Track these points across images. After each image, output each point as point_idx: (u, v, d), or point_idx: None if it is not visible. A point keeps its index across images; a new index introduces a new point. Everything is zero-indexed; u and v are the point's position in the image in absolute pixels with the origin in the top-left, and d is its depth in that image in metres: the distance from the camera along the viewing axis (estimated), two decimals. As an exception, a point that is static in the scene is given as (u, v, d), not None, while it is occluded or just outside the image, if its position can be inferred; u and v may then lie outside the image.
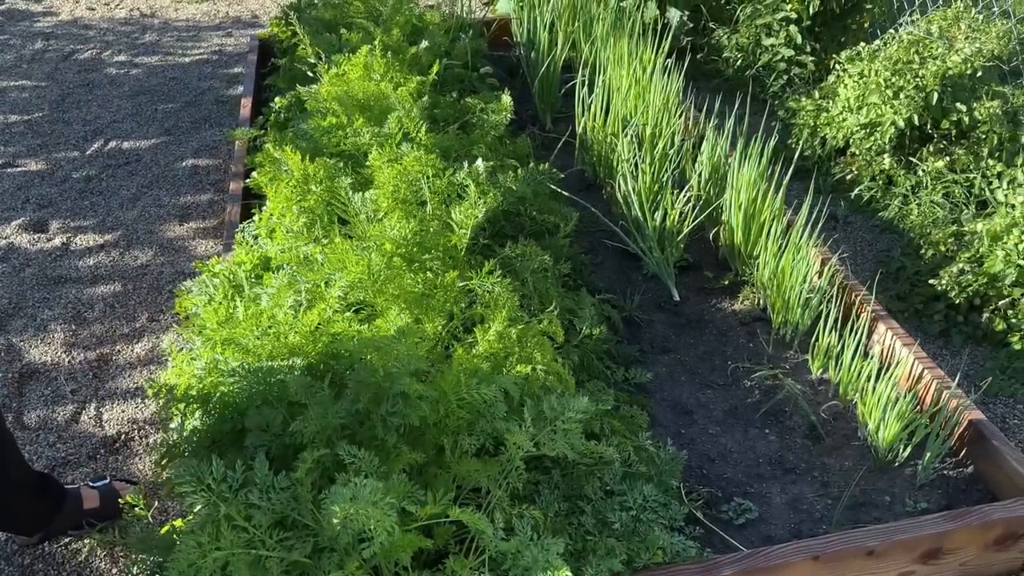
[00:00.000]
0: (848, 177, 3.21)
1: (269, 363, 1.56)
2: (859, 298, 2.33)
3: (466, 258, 2.11)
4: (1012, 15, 3.29)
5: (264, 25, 4.67)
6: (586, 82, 3.15)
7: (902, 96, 2.99)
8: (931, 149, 3.08)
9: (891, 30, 3.48)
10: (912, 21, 3.41)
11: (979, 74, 3.01)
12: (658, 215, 2.64)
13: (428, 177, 2.20)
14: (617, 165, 2.89)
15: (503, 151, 2.85)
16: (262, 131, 3.04)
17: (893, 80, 3.02)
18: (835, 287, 2.30)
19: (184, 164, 3.41)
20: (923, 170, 3.05)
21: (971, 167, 3.00)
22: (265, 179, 2.24)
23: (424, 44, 3.15)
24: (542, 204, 2.56)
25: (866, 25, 3.82)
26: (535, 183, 2.61)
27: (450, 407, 1.52)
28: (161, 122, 3.72)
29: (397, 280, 1.75)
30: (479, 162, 2.37)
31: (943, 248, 2.74)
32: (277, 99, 3.18)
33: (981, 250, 2.59)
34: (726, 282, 2.62)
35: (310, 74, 3.13)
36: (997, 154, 2.99)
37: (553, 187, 2.68)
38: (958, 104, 2.98)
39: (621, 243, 2.75)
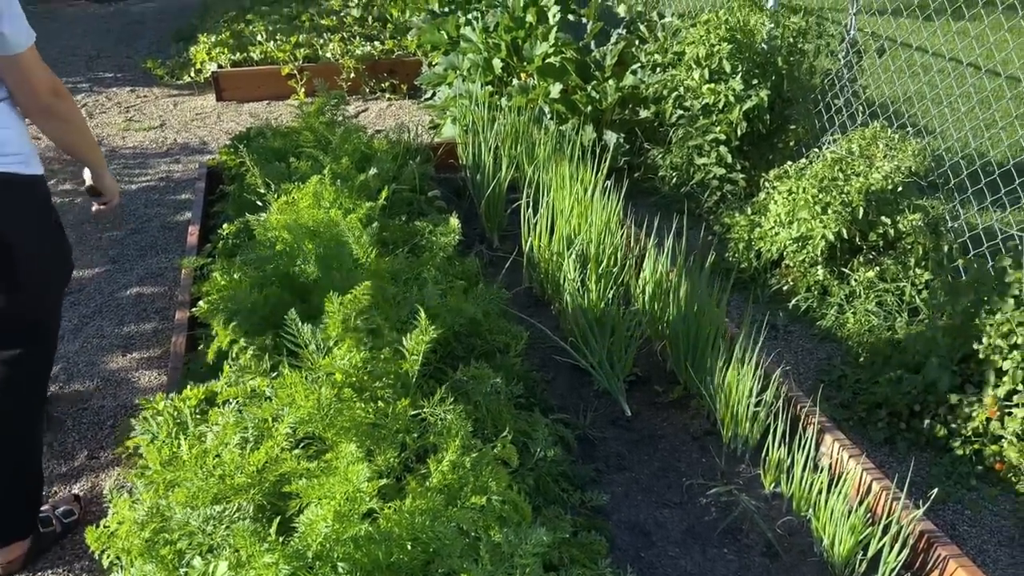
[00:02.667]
0: (785, 288, 3.33)
1: (215, 507, 1.51)
2: (804, 410, 2.38)
3: (418, 383, 2.11)
4: (924, 133, 3.54)
5: (213, 152, 4.75)
6: (530, 203, 3.26)
7: (830, 211, 3.15)
8: (861, 260, 3.23)
9: (815, 149, 3.70)
10: (834, 140, 3.64)
11: (900, 189, 3.20)
12: (606, 331, 2.69)
13: (379, 304, 2.22)
14: (564, 283, 2.96)
15: (452, 272, 2.89)
16: (209, 259, 3.04)
17: (820, 196, 3.19)
18: (780, 400, 2.35)
19: (128, 293, 3.37)
20: (855, 280, 3.18)
21: (900, 276, 3.15)
22: (211, 310, 2.23)
23: (372, 171, 3.23)
24: (492, 324, 2.59)
25: (791, 144, 4.06)
26: (485, 303, 2.65)
27: (404, 547, 1.48)
28: (106, 250, 3.70)
29: (347, 412, 1.73)
30: (430, 287, 2.40)
31: (881, 356, 2.84)
32: (225, 226, 3.19)
33: (916, 357, 2.69)
34: (676, 396, 2.65)
35: (259, 202, 3.17)
36: (923, 263, 3.15)
37: (503, 306, 2.72)
38: (883, 217, 3.15)
39: (572, 359, 2.78)
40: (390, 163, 3.55)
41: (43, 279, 2.03)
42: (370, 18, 6.71)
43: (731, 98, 3.80)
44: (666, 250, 2.78)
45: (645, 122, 4.49)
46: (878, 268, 3.18)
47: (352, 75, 5.82)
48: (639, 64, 4.35)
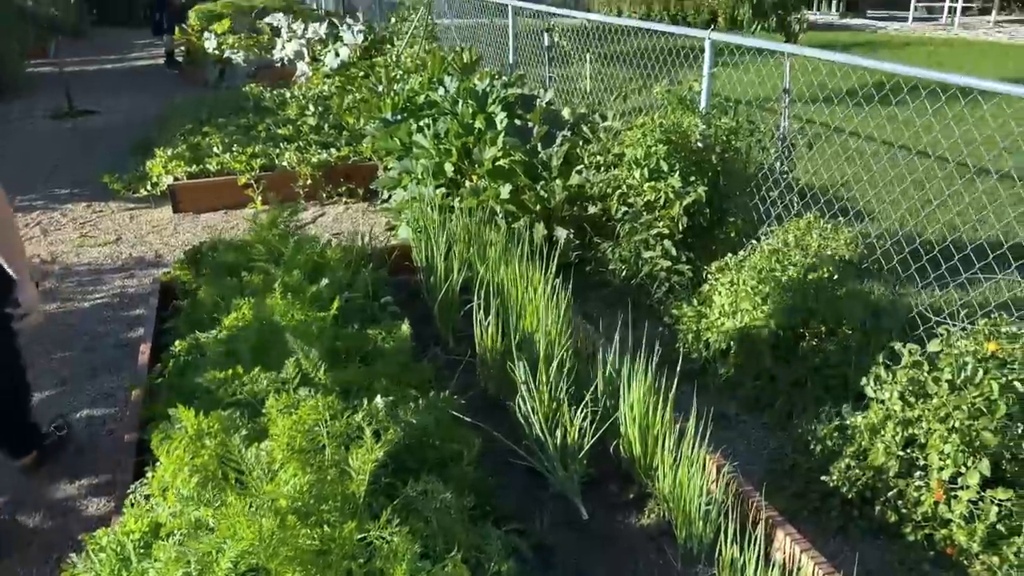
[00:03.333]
0: (733, 378, 3.40)
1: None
2: (755, 504, 2.40)
3: (367, 502, 2.10)
4: (855, 221, 3.70)
5: (168, 265, 4.77)
6: (482, 305, 3.32)
7: (769, 301, 3.26)
8: (805, 346, 3.32)
9: (754, 240, 3.85)
10: (771, 231, 3.78)
11: (835, 276, 3.32)
12: (559, 432, 2.71)
13: (326, 420, 2.23)
14: (516, 385, 2.99)
15: (405, 379, 2.91)
16: (159, 379, 3.03)
17: (759, 287, 3.30)
18: (730, 495, 2.37)
19: (79, 416, 3.33)
20: (803, 367, 3.26)
21: (843, 362, 3.24)
22: (157, 439, 2.21)
23: (324, 282, 3.28)
24: (444, 432, 2.60)
25: (733, 235, 4.21)
26: (437, 411, 2.66)
27: None
28: (56, 371, 3.66)
29: (291, 542, 1.72)
30: (378, 399, 2.42)
31: (830, 443, 2.88)
32: (176, 343, 3.20)
33: (863, 444, 2.74)
34: (631, 496, 2.66)
35: (210, 321, 3.18)
36: (865, 347, 3.24)
37: (455, 413, 2.73)
38: (822, 305, 3.26)
39: (526, 460, 2.79)
40: (343, 271, 3.61)
41: None
42: (326, 126, 6.90)
43: (671, 195, 3.95)
44: (614, 346, 2.84)
45: (593, 217, 4.63)
46: (822, 354, 3.27)
47: (309, 181, 5.94)
48: (583, 164, 4.51)
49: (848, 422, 2.95)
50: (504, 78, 6.28)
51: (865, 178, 5.12)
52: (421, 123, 5.49)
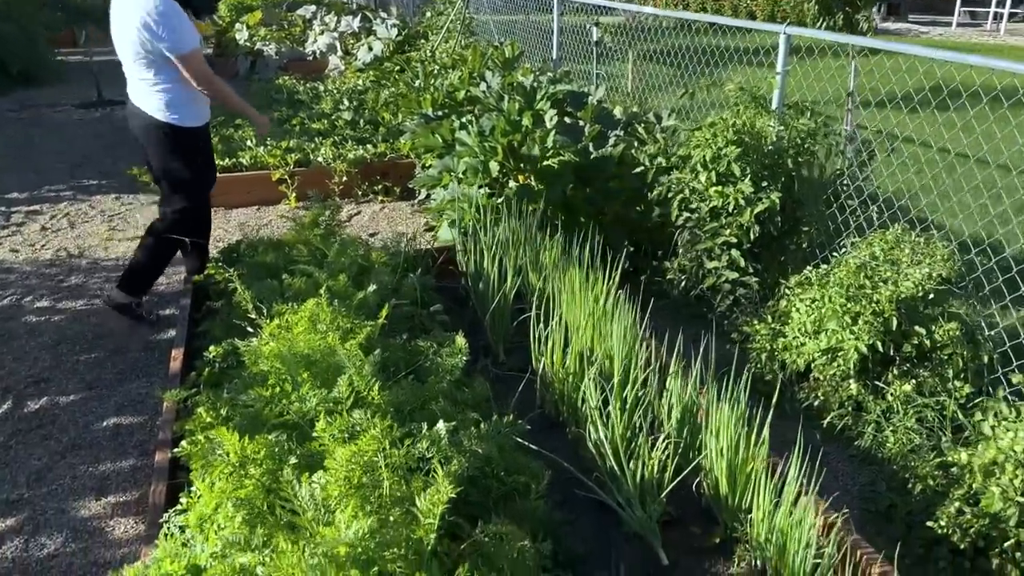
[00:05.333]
0: (815, 403, 3.11)
1: None
2: (864, 555, 2.12)
3: (433, 549, 1.84)
4: (952, 238, 3.40)
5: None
6: (540, 316, 3.05)
7: (860, 322, 2.96)
8: (895, 372, 3.02)
9: (831, 252, 3.55)
10: (851, 244, 3.48)
11: (931, 296, 3.02)
12: (633, 464, 2.44)
13: (385, 448, 1.97)
14: (581, 405, 2.72)
15: (461, 398, 2.65)
16: (194, 389, 2.79)
17: (849, 306, 3.01)
18: (842, 550, 2.09)
19: (105, 424, 3.09)
20: (891, 394, 2.96)
21: (939, 389, 2.94)
22: (197, 464, 1.97)
23: (372, 287, 3.03)
24: (509, 462, 2.33)
25: (804, 246, 3.91)
26: (500, 437, 2.40)
27: None
28: (82, 375, 3.43)
29: (356, 602, 1.46)
30: (440, 425, 2.16)
31: (931, 482, 2.59)
32: (211, 348, 2.97)
33: (975, 486, 2.45)
34: (716, 540, 2.38)
35: (248, 327, 2.94)
36: (962, 375, 2.95)
37: (519, 439, 2.47)
38: (916, 327, 2.96)
39: (592, 491, 2.52)
40: (389, 276, 3.36)
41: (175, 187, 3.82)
42: (361, 121, 6.66)
43: (741, 201, 3.66)
44: (695, 369, 2.56)
45: (649, 224, 4.34)
46: (915, 381, 2.97)
47: (344, 178, 5.70)
48: (642, 167, 4.23)
49: (951, 458, 2.65)
50: (549, 74, 6.01)
51: (937, 189, 4.78)
52: (463, 120, 5.23)
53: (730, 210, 3.73)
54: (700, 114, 5.36)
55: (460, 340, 2.83)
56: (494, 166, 4.80)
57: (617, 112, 5.13)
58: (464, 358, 2.77)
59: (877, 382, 3.05)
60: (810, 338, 3.13)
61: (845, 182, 3.80)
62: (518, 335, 3.49)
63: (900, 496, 2.62)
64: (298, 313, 2.63)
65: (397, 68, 8.17)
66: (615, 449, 2.43)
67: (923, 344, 2.95)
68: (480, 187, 4.70)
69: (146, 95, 3.56)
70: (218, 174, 5.66)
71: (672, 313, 3.93)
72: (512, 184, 4.71)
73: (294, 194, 5.60)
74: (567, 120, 5.03)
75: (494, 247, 3.64)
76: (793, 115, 3.72)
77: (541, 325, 3.03)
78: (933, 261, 3.03)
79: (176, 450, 2.39)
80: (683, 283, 4.00)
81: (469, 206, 4.41)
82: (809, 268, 3.40)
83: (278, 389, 2.22)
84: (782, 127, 3.67)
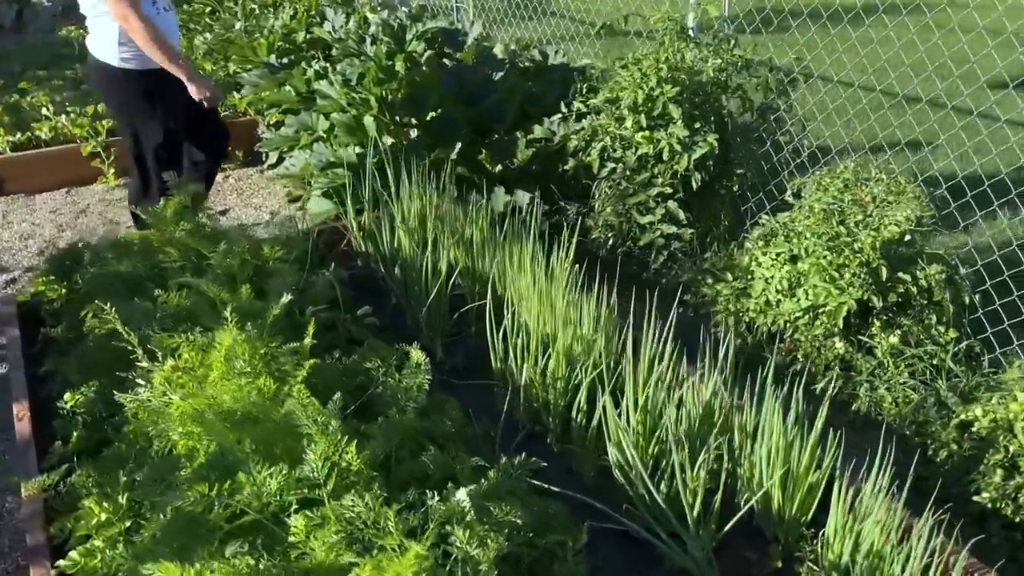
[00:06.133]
0: (796, 367, 2.84)
1: None
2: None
3: None
4: (918, 175, 3.21)
5: (9, 269, 3.56)
6: (488, 306, 2.52)
7: (847, 274, 2.69)
8: (878, 324, 2.80)
9: (766, 198, 3.27)
10: (796, 184, 3.19)
11: (907, 238, 2.81)
12: (663, 485, 2.03)
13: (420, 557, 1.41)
14: (577, 416, 2.27)
15: (438, 431, 2.11)
16: (64, 467, 2.04)
17: (831, 258, 2.73)
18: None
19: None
20: (879, 349, 2.75)
21: (924, 337, 2.76)
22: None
23: (286, 297, 2.35)
24: (535, 517, 1.83)
25: (735, 189, 3.62)
26: (509, 483, 1.89)
27: None
28: None
29: None
30: (461, 494, 1.62)
31: (955, 447, 2.39)
32: (68, 396, 2.25)
33: (1012, 448, 2.26)
34: (778, 563, 2.03)
35: (120, 360, 2.18)
36: (945, 320, 2.78)
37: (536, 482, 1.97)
38: (900, 274, 2.74)
39: (617, 523, 2.08)
40: (293, 275, 2.67)
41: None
42: (181, 74, 5.61)
43: (676, 146, 3.28)
44: (722, 372, 2.16)
45: (561, 177, 3.88)
46: (899, 332, 2.77)
47: (175, 146, 4.73)
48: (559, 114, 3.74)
49: (966, 418, 2.46)
50: (404, 9, 5.29)
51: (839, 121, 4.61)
52: (317, 67, 4.45)
53: (664, 157, 3.33)
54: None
55: (416, 354, 2.26)
56: (369, 121, 4.10)
57: (498, 50, 4.57)
58: (428, 377, 2.21)
59: (860, 336, 2.82)
60: (786, 296, 2.84)
61: (777, 117, 3.51)
62: (456, 325, 2.95)
63: (922, 466, 2.40)
64: (210, 353, 1.94)
65: (208, 9, 7.03)
66: (640, 471, 2.00)
67: (909, 291, 2.74)
68: (353, 147, 4.01)
69: (93, 33, 3.23)
70: (11, 153, 4.54)
71: (603, 276, 3.51)
72: (389, 140, 4.05)
73: (112, 170, 4.60)
74: (446, 63, 4.42)
75: (410, 219, 3.04)
76: (725, 47, 3.35)
77: (494, 319, 2.51)
78: (907, 199, 2.80)
79: (62, 563, 1.71)
80: (610, 241, 3.59)
81: (351, 171, 3.73)
82: (766, 216, 3.10)
83: (227, 485, 1.57)
84: (718, 59, 3.29)
